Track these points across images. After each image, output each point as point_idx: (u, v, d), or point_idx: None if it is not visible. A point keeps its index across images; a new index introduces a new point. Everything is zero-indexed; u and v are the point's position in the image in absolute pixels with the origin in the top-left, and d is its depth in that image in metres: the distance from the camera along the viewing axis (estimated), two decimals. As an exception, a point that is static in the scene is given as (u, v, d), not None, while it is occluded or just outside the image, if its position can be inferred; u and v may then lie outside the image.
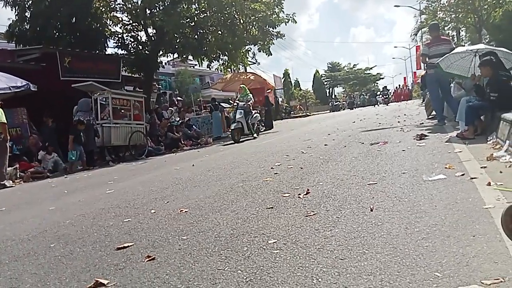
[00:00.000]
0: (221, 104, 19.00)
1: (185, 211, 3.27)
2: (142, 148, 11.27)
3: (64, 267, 2.32)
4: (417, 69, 35.45)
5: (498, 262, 1.61)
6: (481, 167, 3.37)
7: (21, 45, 13.78)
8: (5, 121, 7.88)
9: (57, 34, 14.30)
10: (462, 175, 3.15)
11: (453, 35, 25.48)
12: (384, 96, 36.03)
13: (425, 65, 8.31)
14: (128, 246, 2.52)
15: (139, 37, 16.92)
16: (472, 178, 2.99)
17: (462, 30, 26.40)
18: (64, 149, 10.18)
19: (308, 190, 3.30)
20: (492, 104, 5.25)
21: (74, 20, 14.21)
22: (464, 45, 15.67)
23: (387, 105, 31.28)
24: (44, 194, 5.97)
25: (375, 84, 60.86)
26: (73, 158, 9.57)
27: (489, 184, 2.76)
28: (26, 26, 14.01)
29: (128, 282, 1.95)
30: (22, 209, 4.73)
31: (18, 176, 8.54)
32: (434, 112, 9.03)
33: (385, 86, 41.63)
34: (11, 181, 7.88)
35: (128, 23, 16.64)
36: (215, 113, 16.88)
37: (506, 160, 3.50)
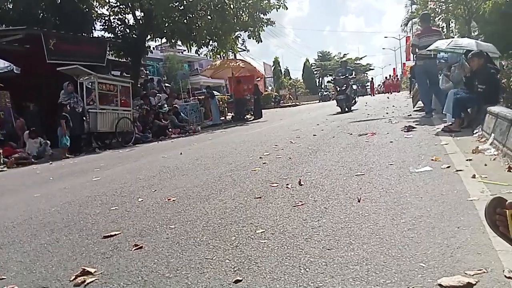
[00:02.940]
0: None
1: (173, 200, 3.26)
2: (129, 135, 11.15)
3: (50, 255, 2.30)
4: (406, 60, 35.66)
5: (481, 253, 1.65)
6: (467, 160, 3.42)
7: (3, 26, 13.38)
8: None
9: (41, 14, 13.92)
10: (448, 167, 3.20)
11: (443, 26, 25.64)
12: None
13: (415, 56, 8.35)
14: (115, 235, 2.51)
15: (126, 20, 16.62)
16: (458, 171, 3.04)
17: (452, 22, 26.57)
18: (50, 134, 10.02)
19: (300, 181, 3.30)
20: (479, 97, 5.32)
21: (59, 1, 13.85)
22: (453, 37, 15.78)
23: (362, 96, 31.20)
24: (29, 180, 5.88)
25: (365, 74, 61.04)
26: (66, 143, 9.43)
27: (474, 176, 2.81)
28: (9, 6, 13.59)
29: (116, 270, 1.94)
30: (6, 196, 4.66)
31: (1, 162, 8.39)
32: (420, 104, 9.12)
33: (372, 78, 42.05)
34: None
35: (115, 5, 16.28)
36: (214, 100, 16.95)
37: (491, 153, 3.56)
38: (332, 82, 14.72)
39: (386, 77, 42.18)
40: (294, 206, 2.67)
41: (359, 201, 2.57)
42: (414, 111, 9.64)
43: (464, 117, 5.59)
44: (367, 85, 43.24)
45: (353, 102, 13.51)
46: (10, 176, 6.81)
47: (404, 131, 5.70)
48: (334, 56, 61.17)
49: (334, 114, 11.65)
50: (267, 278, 1.66)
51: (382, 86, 41.11)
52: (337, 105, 12.77)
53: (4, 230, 2.97)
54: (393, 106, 12.60)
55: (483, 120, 4.82)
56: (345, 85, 12.68)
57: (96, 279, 1.86)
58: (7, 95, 10.67)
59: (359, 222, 2.20)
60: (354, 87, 14.45)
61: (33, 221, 3.17)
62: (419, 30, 9.98)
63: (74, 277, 1.90)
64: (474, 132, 4.87)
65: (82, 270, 1.95)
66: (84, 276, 1.89)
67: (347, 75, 13.18)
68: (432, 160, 3.54)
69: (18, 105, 11.04)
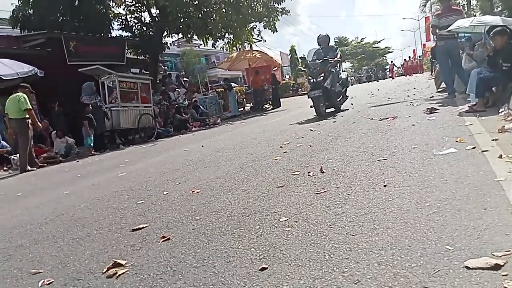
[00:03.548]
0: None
1: (197, 192, 3.32)
2: (151, 130, 11.35)
3: (82, 249, 2.40)
4: (426, 41, 34.65)
5: (510, 234, 1.62)
6: (492, 140, 3.33)
7: (25, 31, 13.76)
8: (31, 107, 7.96)
9: (61, 18, 14.21)
10: (473, 148, 3.13)
11: (464, 4, 24.75)
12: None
13: (435, 36, 8.12)
14: (143, 228, 2.58)
15: (142, 18, 16.79)
16: (483, 151, 2.97)
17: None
18: (74, 133, 10.31)
19: (321, 168, 3.30)
20: (504, 75, 5.15)
21: (77, 3, 14.10)
22: (475, 15, 15.22)
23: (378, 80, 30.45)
24: (58, 178, 6.09)
25: (384, 57, 59.78)
26: (90, 143, 9.70)
27: (500, 156, 2.74)
28: (29, 11, 13.93)
29: (145, 262, 2.01)
30: (38, 194, 4.85)
31: (36, 162, 8.68)
32: (443, 85, 8.89)
33: (392, 61, 41.18)
34: (29, 167, 8.02)
35: (131, 3, 16.46)
36: (232, 92, 17.04)
37: (518, 132, 3.46)
38: (304, 69, 10.26)
39: (405, 59, 41.03)
40: (317, 193, 2.67)
41: (384, 186, 2.55)
42: (437, 92, 9.40)
43: (489, 97, 5.43)
44: (387, 68, 42.34)
45: (340, 99, 8.71)
46: (40, 175, 7.07)
47: (427, 114, 5.58)
48: (351, 41, 60.13)
49: (353, 100, 11.32)
50: (292, 265, 1.69)
51: (402, 69, 40.10)
52: (312, 106, 8.06)
53: (39, 227, 3.11)
54: (414, 88, 12.31)
55: (509, 98, 4.67)
56: (322, 74, 7.96)
57: (127, 271, 1.93)
58: (33, 98, 11.00)
59: (383, 207, 2.19)
60: (343, 75, 9.70)
61: (64, 217, 3.30)
62: (439, 10, 9.68)
63: (106, 269, 1.98)
64: (500, 111, 4.72)
65: (113, 262, 2.03)
66: (116, 268, 1.97)
67: (327, 57, 8.24)
68: (457, 141, 3.46)
69: (43, 107, 11.38)
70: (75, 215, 3.29)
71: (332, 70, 8.26)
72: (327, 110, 8.25)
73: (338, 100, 8.54)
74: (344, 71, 10.87)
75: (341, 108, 8.72)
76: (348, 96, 9.53)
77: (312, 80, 8.06)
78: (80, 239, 2.60)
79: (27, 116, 7.87)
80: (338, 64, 9.12)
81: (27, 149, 7.96)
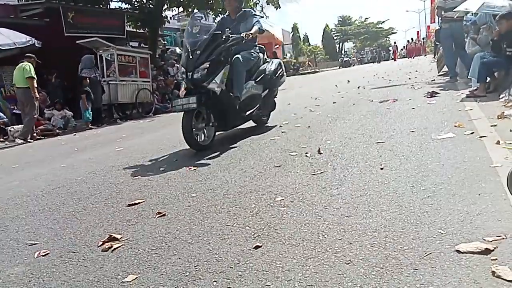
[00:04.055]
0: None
1: (194, 169, 3.33)
2: (149, 105, 11.27)
3: (78, 222, 2.41)
4: (431, 23, 34.08)
5: (502, 219, 1.64)
6: (491, 126, 3.33)
7: (23, 0, 13.45)
8: (34, 76, 7.90)
9: (59, -13, 13.88)
10: (472, 133, 3.13)
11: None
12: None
13: (440, 18, 7.98)
14: (139, 203, 2.60)
15: (143, -10, 16.40)
16: (481, 137, 2.97)
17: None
18: (72, 105, 10.24)
19: (319, 149, 3.30)
20: (507, 60, 5.09)
21: (76, -27, 13.74)
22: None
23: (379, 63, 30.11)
24: (55, 151, 6.09)
25: (387, 38, 58.97)
26: (89, 117, 9.65)
27: (498, 142, 2.74)
28: (27, -20, 13.60)
29: (140, 237, 2.03)
30: (34, 166, 4.85)
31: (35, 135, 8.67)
32: (445, 68, 8.80)
33: (395, 42, 40.74)
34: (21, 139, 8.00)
35: (131, -25, 16.07)
36: None
37: (517, 118, 3.45)
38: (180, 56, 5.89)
39: (408, 41, 40.44)
40: (313, 174, 2.68)
41: (381, 169, 2.55)
42: (439, 75, 9.33)
43: (491, 82, 5.39)
44: (390, 50, 41.89)
45: (252, 111, 4.66)
46: (37, 147, 7.06)
47: (427, 97, 5.55)
48: (355, 21, 59.09)
49: (354, 81, 11.26)
50: (286, 244, 1.71)
51: (405, 50, 39.62)
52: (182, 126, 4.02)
53: (35, 199, 3.12)
54: (416, 71, 12.21)
55: (510, 84, 4.63)
56: (207, 64, 4.03)
57: (122, 245, 1.95)
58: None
59: (379, 190, 2.20)
60: (269, 64, 4.94)
61: (61, 190, 3.31)
62: (446, -10, 9.47)
63: (101, 242, 2.00)
64: (501, 97, 4.70)
65: (109, 236, 2.05)
66: (111, 242, 1.98)
67: (220, 31, 4.23)
68: (455, 126, 3.46)
69: (40, 79, 11.22)
70: (71, 189, 3.30)
71: (237, 55, 4.29)
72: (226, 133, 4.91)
73: (247, 113, 4.55)
74: (272, 59, 5.27)
75: (267, 124, 5.26)
76: (275, 106, 5.39)
77: (185, 77, 4.13)
78: (76, 212, 2.62)
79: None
80: (255, 46, 4.75)
81: (32, 118, 8.00)
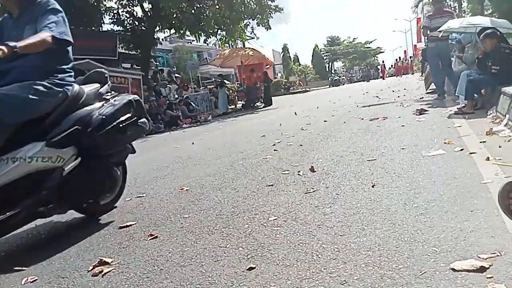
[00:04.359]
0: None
1: (186, 189, 3.30)
2: (141, 126, 11.22)
3: (68, 246, 2.36)
4: (417, 42, 34.91)
5: (495, 236, 1.64)
6: (480, 142, 3.37)
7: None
8: None
9: (51, 10, 14.00)
10: (461, 150, 3.16)
11: (455, 6, 24.98)
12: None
13: (426, 38, 8.18)
14: (131, 225, 2.56)
15: (135, 13, 16.61)
16: (471, 153, 3.00)
17: (464, 1, 25.86)
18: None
19: (311, 167, 3.30)
20: (493, 78, 5.21)
21: (69, -4, 13.89)
22: (465, 16, 15.36)
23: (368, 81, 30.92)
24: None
25: (375, 58, 60.15)
26: None
27: (487, 159, 2.77)
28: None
29: (132, 260, 1.99)
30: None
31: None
32: (433, 86, 8.97)
33: (383, 61, 41.68)
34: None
35: (123, -3, 16.29)
36: (222, 90, 16.95)
37: (505, 135, 3.50)
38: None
39: (396, 60, 41.33)
40: (306, 193, 2.67)
41: (373, 187, 2.56)
42: (427, 93, 9.48)
43: (478, 99, 5.49)
44: (379, 68, 42.75)
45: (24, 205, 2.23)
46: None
47: (416, 114, 5.63)
48: (343, 41, 60.34)
49: (344, 100, 11.45)
50: (280, 265, 1.68)
51: (393, 69, 40.43)
52: None
53: (24, 223, 3.05)
54: (404, 89, 12.41)
55: (497, 101, 4.72)
56: None
57: (113, 269, 1.91)
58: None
59: (371, 207, 2.20)
60: (107, 108, 2.64)
61: (51, 213, 3.24)
62: (431, 11, 9.76)
63: (92, 267, 1.96)
64: (488, 113, 4.78)
65: (99, 260, 2.01)
66: (102, 266, 1.94)
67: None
68: (445, 143, 3.49)
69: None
70: (61, 212, 3.24)
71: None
72: None
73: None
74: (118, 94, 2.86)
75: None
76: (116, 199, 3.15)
77: None
78: (65, 236, 2.56)
79: None
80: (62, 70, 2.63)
81: None
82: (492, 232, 1.67)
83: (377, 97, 10.69)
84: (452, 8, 18.23)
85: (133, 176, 4.37)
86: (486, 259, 1.46)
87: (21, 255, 2.33)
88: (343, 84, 37.59)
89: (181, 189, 3.35)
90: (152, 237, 2.26)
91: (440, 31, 6.93)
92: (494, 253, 1.49)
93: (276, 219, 2.25)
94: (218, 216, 2.47)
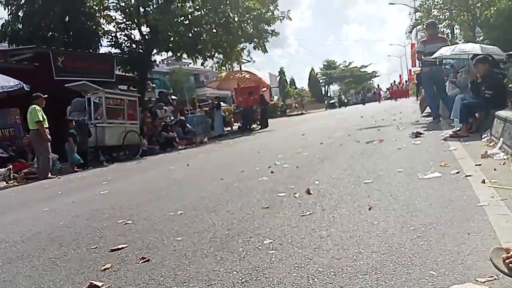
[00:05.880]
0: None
1: (180, 212, 3.25)
2: (136, 148, 11.20)
3: (58, 269, 2.30)
4: (412, 66, 35.52)
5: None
6: (476, 165, 3.38)
7: (14, 45, 13.66)
8: (40, 119, 8.17)
9: (50, 33, 14.19)
10: (457, 173, 3.16)
11: (448, 32, 25.59)
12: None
13: (421, 62, 8.33)
14: (123, 248, 2.50)
15: (132, 36, 16.87)
16: (467, 176, 3.01)
17: (456, 28, 26.51)
18: (58, 148, 10.11)
19: (308, 190, 3.28)
20: (486, 102, 5.28)
21: (67, 19, 14.12)
22: (458, 43, 15.71)
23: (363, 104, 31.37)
24: (38, 195, 5.92)
25: (371, 82, 60.98)
26: (80, 159, 9.50)
27: (483, 181, 2.77)
28: (19, 26, 13.89)
29: (123, 284, 1.93)
30: (16, 210, 4.69)
31: (11, 177, 8.48)
32: (428, 109, 9.07)
33: (378, 85, 42.29)
34: (4, 182, 7.82)
35: (121, 21, 16.56)
36: (218, 112, 17.01)
37: (500, 158, 3.52)
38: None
39: (391, 83, 41.91)
40: (302, 215, 2.64)
41: (370, 209, 2.53)
42: (422, 116, 9.57)
43: (472, 122, 5.55)
44: (375, 92, 43.35)
45: None
46: (19, 191, 6.87)
47: (412, 137, 5.66)
48: (339, 65, 61.25)
49: (340, 122, 11.54)
50: (275, 289, 1.64)
51: (388, 93, 40.97)
52: None
53: (13, 245, 2.98)
54: (400, 112, 12.53)
55: (492, 124, 4.77)
56: None
57: (103, 293, 1.85)
58: (17, 112, 10.83)
59: (368, 230, 2.17)
60: None
61: (41, 235, 3.18)
62: (425, 37, 9.98)
63: (81, 291, 1.90)
64: (483, 137, 4.82)
65: (89, 284, 1.95)
66: (92, 290, 1.88)
67: None
68: (441, 166, 3.50)
69: (27, 122, 11.18)
70: (52, 234, 3.18)
71: None
72: None
73: None
74: None
75: None
76: None
77: None
78: (56, 259, 2.50)
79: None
80: None
81: (46, 158, 8.28)
82: (489, 255, 1.65)
83: (374, 120, 10.77)
84: (445, 35, 18.64)
85: (126, 198, 4.32)
86: (483, 282, 1.44)
87: (9, 279, 2.25)
88: (339, 108, 37.91)
89: (175, 211, 3.30)
90: (144, 260, 2.21)
91: (434, 59, 7.05)
92: (491, 277, 1.47)
93: (271, 242, 2.21)
94: (212, 239, 2.43)
